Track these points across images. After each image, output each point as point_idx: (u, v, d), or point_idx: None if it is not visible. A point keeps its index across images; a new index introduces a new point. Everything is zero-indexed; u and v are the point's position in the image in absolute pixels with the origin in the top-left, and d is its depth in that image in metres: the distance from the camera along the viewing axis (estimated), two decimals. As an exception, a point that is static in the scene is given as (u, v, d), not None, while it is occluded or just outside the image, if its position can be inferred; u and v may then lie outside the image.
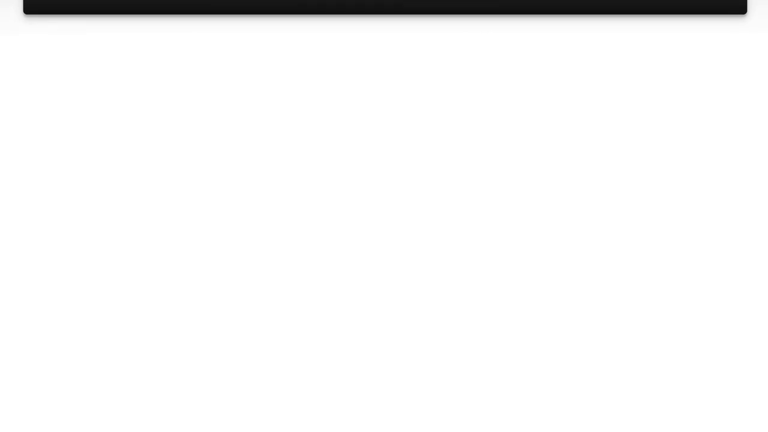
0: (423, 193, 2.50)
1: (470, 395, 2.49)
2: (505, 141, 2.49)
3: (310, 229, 2.50)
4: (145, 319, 2.48)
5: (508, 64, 2.50)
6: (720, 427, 2.48)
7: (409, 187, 2.50)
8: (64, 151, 2.48)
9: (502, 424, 2.49)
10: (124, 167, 2.49)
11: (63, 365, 2.47)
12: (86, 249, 2.48)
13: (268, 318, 2.48)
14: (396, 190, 2.50)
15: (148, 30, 2.50)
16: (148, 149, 2.49)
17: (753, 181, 2.47)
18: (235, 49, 2.50)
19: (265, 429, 2.49)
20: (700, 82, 2.49)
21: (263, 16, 2.52)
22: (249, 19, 2.50)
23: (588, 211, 2.49)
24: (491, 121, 2.49)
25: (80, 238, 2.48)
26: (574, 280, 2.49)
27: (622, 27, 2.49)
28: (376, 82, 2.52)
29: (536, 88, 2.49)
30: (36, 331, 2.48)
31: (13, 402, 2.48)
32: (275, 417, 2.49)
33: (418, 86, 2.52)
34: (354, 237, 2.50)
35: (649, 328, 2.49)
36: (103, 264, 2.49)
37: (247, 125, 2.50)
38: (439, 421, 2.49)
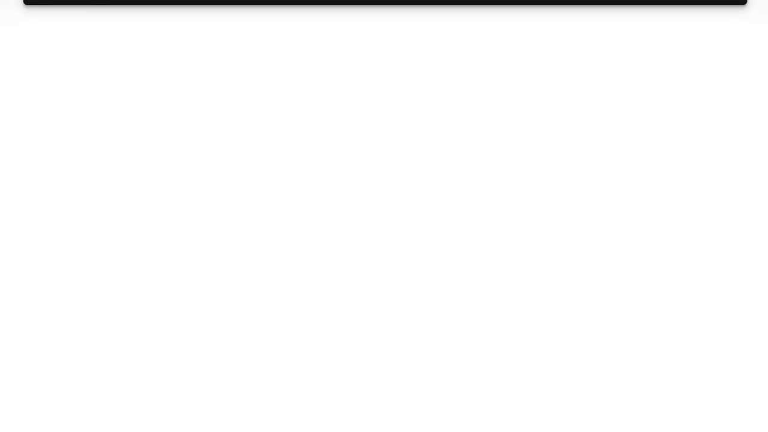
0: (423, 186, 2.50)
1: (469, 395, 2.49)
2: (502, 132, 2.49)
3: (306, 222, 2.51)
4: (141, 316, 2.49)
5: (506, 55, 2.49)
6: (720, 427, 2.48)
7: (409, 182, 2.50)
8: (64, 142, 2.49)
9: (501, 424, 2.50)
10: (124, 158, 2.49)
11: (62, 365, 2.48)
12: (88, 240, 2.49)
13: (268, 317, 2.49)
14: (395, 186, 2.50)
15: (149, 20, 2.50)
16: (148, 140, 2.49)
17: (753, 173, 2.47)
18: (236, 40, 2.50)
19: (264, 428, 2.50)
20: (700, 73, 2.48)
21: (264, 6, 2.52)
22: (250, 10, 2.50)
23: (585, 202, 2.49)
24: (489, 113, 2.49)
25: (81, 228, 2.49)
26: (573, 277, 2.49)
27: (621, 17, 2.49)
28: (373, 75, 2.52)
29: (533, 80, 2.49)
30: (33, 330, 2.49)
31: (13, 402, 2.49)
32: (275, 417, 2.50)
33: (417, 79, 2.52)
34: (350, 228, 2.51)
35: (648, 328, 2.49)
36: (101, 255, 2.50)
37: (247, 116, 2.50)
38: (439, 420, 2.50)
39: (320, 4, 2.49)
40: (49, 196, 2.49)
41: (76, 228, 2.49)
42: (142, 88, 2.49)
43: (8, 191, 2.50)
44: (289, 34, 2.51)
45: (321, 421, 2.50)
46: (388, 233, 2.50)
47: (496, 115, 2.49)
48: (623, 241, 2.48)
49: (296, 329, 2.49)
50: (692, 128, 2.47)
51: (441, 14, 2.51)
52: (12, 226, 2.49)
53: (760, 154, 2.47)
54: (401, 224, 2.50)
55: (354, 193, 2.51)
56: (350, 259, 2.49)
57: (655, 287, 2.49)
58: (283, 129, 2.51)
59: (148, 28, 2.49)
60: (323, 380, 2.49)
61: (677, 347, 2.48)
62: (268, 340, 2.48)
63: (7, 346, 2.48)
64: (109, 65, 2.49)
